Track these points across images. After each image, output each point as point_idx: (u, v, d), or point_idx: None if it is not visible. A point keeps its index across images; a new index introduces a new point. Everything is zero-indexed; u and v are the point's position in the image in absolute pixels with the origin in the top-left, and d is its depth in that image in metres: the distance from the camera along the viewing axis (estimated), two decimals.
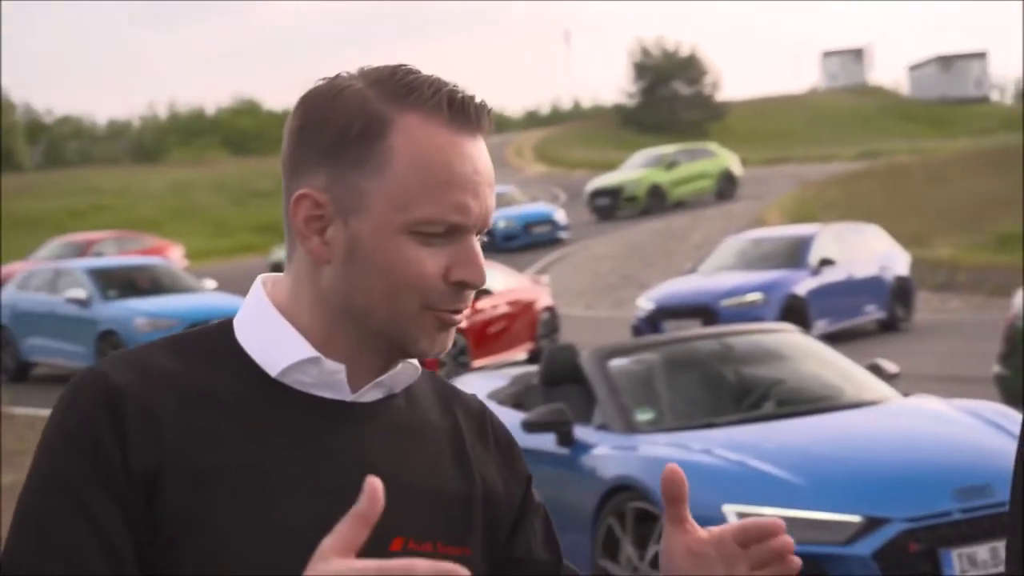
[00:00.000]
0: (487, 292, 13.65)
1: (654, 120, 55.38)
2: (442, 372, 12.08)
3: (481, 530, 1.31)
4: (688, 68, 58.43)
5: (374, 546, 1.18)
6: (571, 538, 5.68)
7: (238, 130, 60.43)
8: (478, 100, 1.23)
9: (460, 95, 1.22)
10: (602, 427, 5.86)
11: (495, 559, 1.33)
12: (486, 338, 13.44)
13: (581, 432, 5.85)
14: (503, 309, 13.94)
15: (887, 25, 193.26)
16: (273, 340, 1.23)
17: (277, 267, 24.77)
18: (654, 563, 5.13)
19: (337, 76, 1.24)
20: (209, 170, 47.87)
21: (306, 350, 1.22)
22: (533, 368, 7.09)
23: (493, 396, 6.85)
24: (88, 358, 13.65)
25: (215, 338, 1.25)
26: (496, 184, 1.28)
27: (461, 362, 12.70)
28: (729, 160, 33.02)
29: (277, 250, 25.48)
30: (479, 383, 7.30)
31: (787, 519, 4.79)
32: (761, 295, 13.75)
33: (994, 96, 65.33)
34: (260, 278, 1.29)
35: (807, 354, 6.59)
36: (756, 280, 14.08)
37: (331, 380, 1.23)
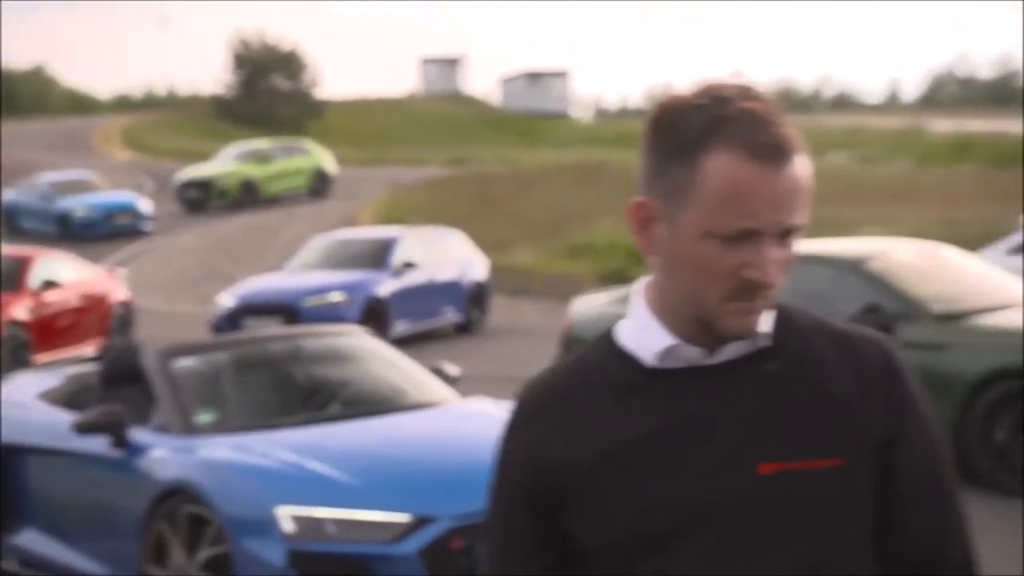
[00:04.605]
0: (55, 284, 12.92)
1: (251, 113, 54.67)
2: None
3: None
4: (288, 63, 58.14)
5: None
6: (119, 544, 5.48)
7: None
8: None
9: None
10: (160, 429, 5.69)
11: None
12: (52, 332, 12.71)
13: (138, 434, 5.65)
14: (73, 302, 13.23)
15: (482, 38, 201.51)
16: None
17: None
18: (204, 567, 5.04)
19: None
20: None
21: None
22: (92, 367, 6.75)
23: (46, 396, 6.48)
24: None
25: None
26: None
27: (21, 358, 11.92)
28: (324, 158, 33.14)
29: None
30: (31, 381, 6.87)
31: (337, 520, 4.86)
32: (343, 295, 13.90)
33: (576, 113, 69.48)
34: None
35: (374, 357, 6.71)
36: (339, 280, 14.21)
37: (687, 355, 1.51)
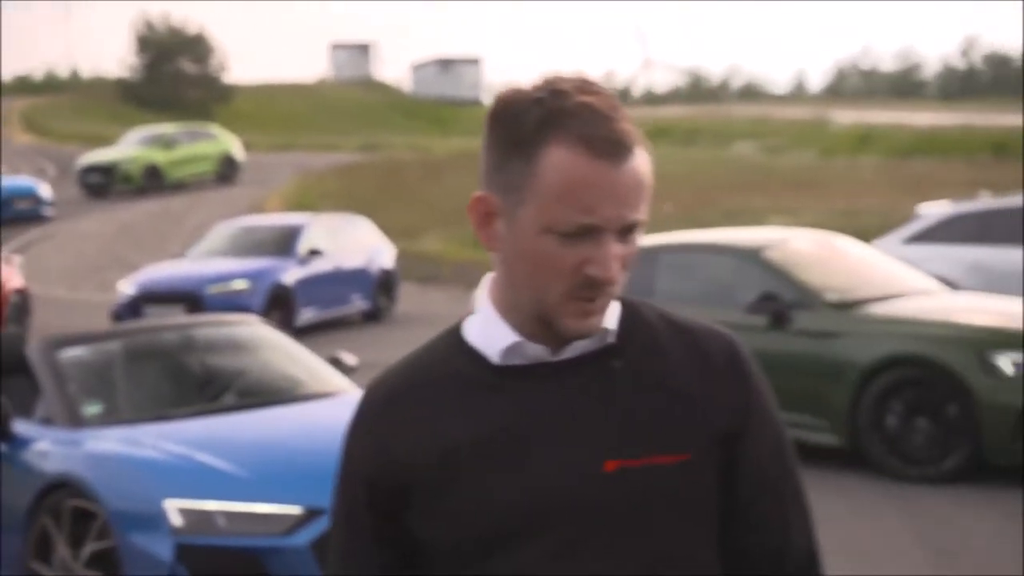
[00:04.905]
0: None
1: (157, 97, 53.74)
2: None
3: None
4: (194, 46, 57.22)
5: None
6: (5, 541, 5.33)
7: None
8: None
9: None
10: (46, 421, 5.56)
11: None
12: None
13: (22, 427, 5.51)
14: None
15: (393, 24, 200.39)
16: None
17: None
18: (89, 563, 4.93)
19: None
20: None
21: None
22: None
23: None
24: None
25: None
26: None
27: None
28: (231, 144, 32.68)
29: None
30: None
31: (227, 513, 4.78)
32: (247, 283, 13.71)
33: (487, 100, 69.43)
34: None
35: (270, 346, 6.62)
36: (243, 267, 14.01)
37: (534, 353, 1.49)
